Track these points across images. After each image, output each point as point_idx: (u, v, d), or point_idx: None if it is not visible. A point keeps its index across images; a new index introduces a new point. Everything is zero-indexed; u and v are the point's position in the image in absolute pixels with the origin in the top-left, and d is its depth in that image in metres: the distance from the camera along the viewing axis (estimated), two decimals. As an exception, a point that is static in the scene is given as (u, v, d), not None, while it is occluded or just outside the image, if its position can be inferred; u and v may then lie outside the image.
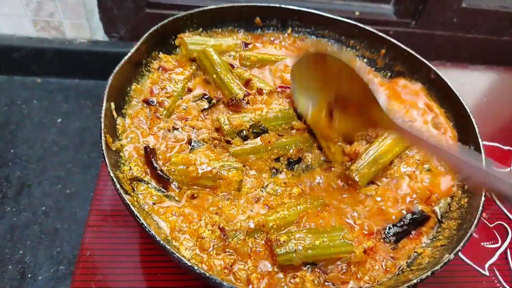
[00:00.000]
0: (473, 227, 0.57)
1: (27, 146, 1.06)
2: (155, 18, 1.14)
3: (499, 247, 0.82)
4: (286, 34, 0.94)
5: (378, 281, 0.57)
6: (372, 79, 0.62)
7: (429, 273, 0.52)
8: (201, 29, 0.87)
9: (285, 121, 0.70)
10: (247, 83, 0.76)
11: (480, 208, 0.59)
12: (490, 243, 0.82)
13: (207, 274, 0.48)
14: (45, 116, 1.14)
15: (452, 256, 0.54)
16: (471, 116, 0.72)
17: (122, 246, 0.74)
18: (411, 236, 0.63)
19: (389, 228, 0.62)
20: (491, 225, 0.85)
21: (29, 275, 0.84)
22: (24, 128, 1.10)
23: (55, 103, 1.17)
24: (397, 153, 0.69)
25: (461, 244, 0.55)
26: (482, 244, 0.82)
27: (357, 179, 0.63)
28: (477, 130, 0.69)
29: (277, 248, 0.55)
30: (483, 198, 0.60)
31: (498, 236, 0.84)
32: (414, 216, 0.63)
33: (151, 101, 0.71)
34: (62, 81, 1.23)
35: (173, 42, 0.83)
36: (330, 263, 0.57)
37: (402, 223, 0.62)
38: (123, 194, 0.52)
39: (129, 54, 0.70)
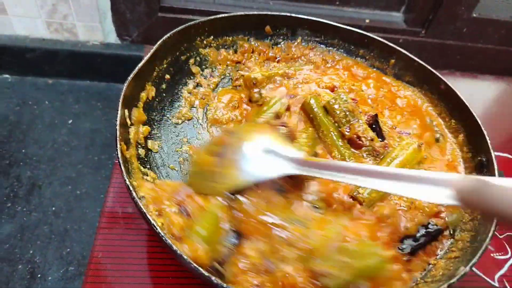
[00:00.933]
0: (488, 239, 0.57)
1: (38, 147, 1.07)
2: (168, 22, 1.15)
3: (509, 258, 0.82)
4: (295, 43, 0.95)
5: None
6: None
7: (445, 285, 0.52)
8: (212, 36, 0.87)
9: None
10: None
11: (495, 220, 0.59)
12: (500, 254, 0.82)
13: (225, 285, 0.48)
14: (56, 117, 1.14)
15: (468, 268, 0.54)
16: (482, 128, 0.72)
17: (133, 249, 0.74)
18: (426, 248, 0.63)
19: (403, 241, 0.62)
20: (501, 236, 0.85)
21: (39, 275, 0.85)
22: (36, 128, 1.11)
23: (66, 104, 1.18)
24: None
25: (477, 257, 0.55)
26: (492, 255, 0.82)
27: (363, 204, 0.63)
28: (488, 141, 0.70)
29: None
30: (496, 210, 0.61)
31: (508, 248, 0.83)
32: (428, 229, 0.63)
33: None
34: (73, 82, 1.24)
35: (183, 49, 0.83)
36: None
37: (416, 236, 0.62)
38: (139, 203, 0.52)
39: (143, 62, 0.71)
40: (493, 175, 0.65)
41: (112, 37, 1.21)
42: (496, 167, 0.66)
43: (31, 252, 0.88)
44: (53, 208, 0.96)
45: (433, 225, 0.63)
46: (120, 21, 1.18)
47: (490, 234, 0.57)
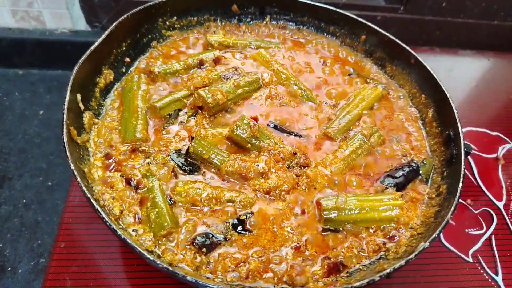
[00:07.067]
0: (449, 213, 0.56)
1: (8, 139, 1.04)
2: (137, 5, 1.11)
3: (484, 233, 0.81)
4: (264, 22, 0.92)
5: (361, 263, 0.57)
6: None
7: (403, 262, 0.51)
8: (175, 17, 0.84)
9: None
10: (217, 61, 0.79)
11: (458, 194, 0.58)
12: (475, 229, 0.81)
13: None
14: (27, 108, 1.12)
15: (427, 244, 0.53)
16: (451, 101, 0.70)
17: (98, 238, 0.73)
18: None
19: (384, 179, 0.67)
20: (476, 212, 0.84)
21: (9, 268, 0.83)
22: (6, 120, 1.08)
23: (37, 94, 1.16)
24: None
25: (437, 232, 0.54)
26: (466, 230, 0.81)
27: None
28: (456, 114, 0.68)
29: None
30: (460, 184, 0.59)
31: (483, 223, 0.82)
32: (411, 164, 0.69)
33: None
34: (44, 72, 1.21)
35: (144, 31, 0.81)
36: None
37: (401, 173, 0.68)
38: (84, 188, 0.50)
39: (95, 45, 0.69)
40: (459, 147, 0.64)
41: (82, 24, 1.18)
42: (462, 138, 0.64)
43: (0, 245, 0.86)
44: (24, 200, 0.94)
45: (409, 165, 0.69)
46: (88, 7, 1.14)
47: (452, 208, 0.55)
